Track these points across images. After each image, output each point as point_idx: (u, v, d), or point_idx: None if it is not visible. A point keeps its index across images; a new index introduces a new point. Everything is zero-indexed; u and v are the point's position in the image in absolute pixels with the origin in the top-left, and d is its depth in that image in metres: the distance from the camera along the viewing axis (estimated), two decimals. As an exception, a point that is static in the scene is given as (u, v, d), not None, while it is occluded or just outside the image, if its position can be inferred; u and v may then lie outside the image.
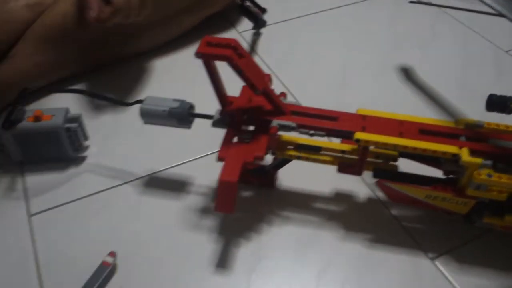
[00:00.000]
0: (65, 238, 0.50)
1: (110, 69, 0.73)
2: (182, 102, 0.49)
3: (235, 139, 0.48)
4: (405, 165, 0.48)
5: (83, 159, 0.59)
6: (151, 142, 0.61)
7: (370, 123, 0.46)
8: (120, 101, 0.53)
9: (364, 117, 0.47)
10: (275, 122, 0.46)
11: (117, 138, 0.62)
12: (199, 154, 0.59)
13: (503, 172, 0.42)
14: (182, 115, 0.49)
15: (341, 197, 0.54)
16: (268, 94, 0.45)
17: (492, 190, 0.43)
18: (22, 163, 0.58)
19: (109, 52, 0.71)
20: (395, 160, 0.48)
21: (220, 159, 0.45)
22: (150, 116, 0.50)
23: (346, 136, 0.46)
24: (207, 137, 0.56)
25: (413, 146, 0.43)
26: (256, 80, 0.43)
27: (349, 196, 0.54)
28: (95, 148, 0.60)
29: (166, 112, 0.49)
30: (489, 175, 0.42)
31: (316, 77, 0.72)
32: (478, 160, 0.42)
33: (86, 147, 0.59)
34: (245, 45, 0.79)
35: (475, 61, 0.76)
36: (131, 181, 0.56)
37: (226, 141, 0.46)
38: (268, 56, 0.76)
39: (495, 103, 0.49)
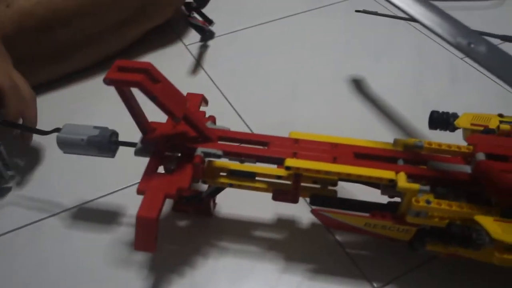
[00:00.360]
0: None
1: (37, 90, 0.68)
2: (103, 129, 0.45)
3: (160, 168, 0.44)
4: (347, 188, 0.45)
5: (7, 190, 0.54)
6: (80, 171, 0.57)
7: (302, 148, 0.43)
8: (37, 130, 0.49)
9: (296, 141, 0.43)
10: (199, 150, 0.42)
11: (44, 167, 0.57)
12: (131, 182, 0.55)
13: (443, 197, 0.40)
14: (102, 144, 0.45)
15: (283, 223, 0.51)
16: (189, 120, 0.42)
17: (433, 217, 0.40)
18: None
19: (38, 71, 0.66)
20: (335, 184, 0.45)
21: (139, 192, 0.41)
22: (69, 146, 0.45)
23: (277, 162, 0.43)
24: (140, 164, 0.52)
25: (346, 172, 0.40)
26: (174, 107, 0.40)
27: (292, 221, 0.51)
28: (20, 178, 0.56)
29: (84, 141, 0.45)
30: (428, 202, 0.39)
31: (263, 91, 0.69)
32: (416, 186, 0.39)
33: (10, 177, 0.55)
34: (191, 58, 0.75)
35: (430, 70, 0.73)
36: (59, 213, 0.52)
37: (148, 171, 0.43)
38: (214, 69, 0.73)
39: (437, 120, 0.46)
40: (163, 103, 0.39)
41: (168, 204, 0.52)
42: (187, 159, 0.43)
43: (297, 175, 0.42)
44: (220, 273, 0.46)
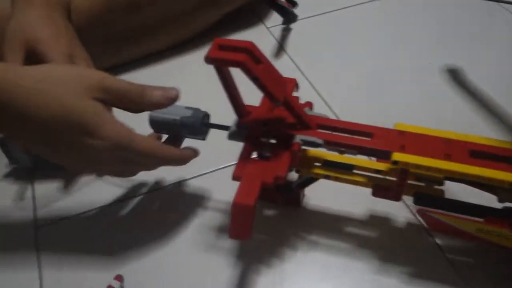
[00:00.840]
0: (71, 256, 0.46)
1: (120, 70, 0.68)
2: (196, 110, 0.44)
3: (254, 154, 0.42)
4: (453, 188, 0.41)
5: None
6: None
7: (410, 141, 0.39)
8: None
9: (403, 134, 0.40)
10: (298, 138, 0.40)
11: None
12: (216, 166, 0.54)
13: None
14: (195, 125, 0.43)
15: (376, 220, 0.48)
16: (290, 105, 0.39)
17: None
18: (32, 170, 0.55)
19: (124, 50, 0.66)
20: (441, 183, 0.41)
21: (235, 178, 0.39)
22: (160, 125, 0.44)
23: (381, 156, 0.39)
24: (228, 146, 0.50)
25: (463, 172, 0.36)
26: (275, 90, 0.37)
27: (386, 219, 0.48)
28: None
29: (177, 121, 0.43)
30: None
31: (349, 79, 0.65)
32: (545, 192, 0.34)
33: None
34: (273, 41, 0.73)
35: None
36: (146, 193, 0.52)
37: (243, 157, 0.41)
38: (297, 55, 0.70)
39: None
40: (265, 85, 0.37)
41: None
42: (284, 146, 0.40)
43: (403, 171, 0.38)
44: (309, 267, 0.44)
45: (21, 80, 0.36)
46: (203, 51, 0.71)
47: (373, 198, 0.42)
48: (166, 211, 0.50)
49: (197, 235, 0.47)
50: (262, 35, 0.74)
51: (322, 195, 0.49)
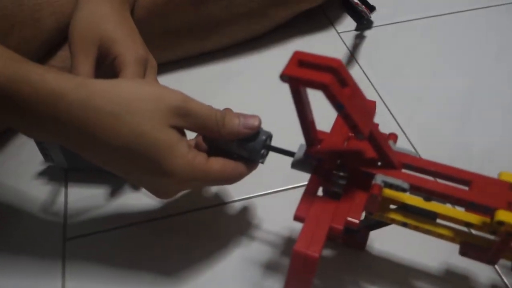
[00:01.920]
0: (97, 271, 0.42)
1: (175, 65, 0.63)
2: (260, 130, 0.38)
3: (320, 190, 0.36)
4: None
5: None
6: None
7: (519, 197, 0.32)
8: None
9: (511, 187, 0.32)
10: (379, 179, 0.33)
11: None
12: (271, 188, 0.47)
13: None
14: (256, 148, 0.37)
15: (452, 277, 0.40)
16: (375, 139, 0.32)
17: None
18: (67, 170, 0.50)
19: (185, 45, 0.61)
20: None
21: (297, 218, 0.33)
22: (212, 142, 0.39)
23: (483, 211, 0.32)
24: (286, 166, 0.44)
25: None
26: (361, 120, 0.31)
27: (465, 277, 0.40)
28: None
29: (234, 142, 0.37)
30: None
31: (433, 102, 0.57)
32: None
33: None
34: (344, 49, 0.65)
35: None
36: (187, 212, 0.46)
37: (308, 193, 0.34)
38: (370, 67, 0.62)
39: None
40: (350, 113, 0.30)
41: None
42: (359, 185, 0.34)
43: (509, 234, 0.31)
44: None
45: (94, 101, 0.33)
46: (266, 54, 0.66)
47: (452, 250, 0.35)
48: (206, 235, 0.44)
49: (240, 269, 0.42)
50: (331, 41, 0.67)
51: (391, 238, 0.42)
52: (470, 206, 0.32)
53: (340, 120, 0.38)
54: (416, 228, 0.35)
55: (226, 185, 0.39)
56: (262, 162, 0.39)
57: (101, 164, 0.36)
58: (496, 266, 0.41)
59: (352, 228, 0.39)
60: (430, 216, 0.35)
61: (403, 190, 0.33)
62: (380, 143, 0.33)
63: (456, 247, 0.35)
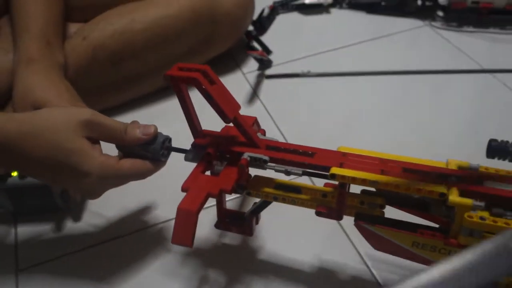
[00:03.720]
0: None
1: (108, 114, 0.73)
2: (158, 134, 0.48)
3: (207, 173, 0.45)
4: (394, 215, 0.43)
5: (79, 210, 0.58)
6: (128, 202, 0.59)
7: (349, 160, 0.42)
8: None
9: (344, 154, 0.43)
10: (246, 154, 0.43)
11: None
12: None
13: (499, 217, 0.37)
14: (156, 149, 0.46)
15: (325, 271, 0.49)
16: (239, 123, 0.43)
17: (487, 238, 0.37)
18: (14, 214, 0.58)
19: (107, 98, 0.72)
20: (382, 207, 0.43)
21: (183, 189, 0.42)
22: (125, 148, 0.48)
23: (323, 171, 0.42)
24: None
25: (395, 183, 0.39)
26: (227, 107, 0.41)
27: (335, 271, 0.49)
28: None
29: (140, 145, 0.47)
30: (482, 218, 0.36)
31: (319, 124, 0.70)
32: (469, 201, 0.37)
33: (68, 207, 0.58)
34: (248, 87, 0.78)
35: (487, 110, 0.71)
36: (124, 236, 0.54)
37: (194, 173, 0.44)
38: (269, 99, 0.75)
39: (495, 148, 0.44)
40: (217, 102, 0.41)
41: (211, 222, 0.51)
42: (234, 163, 0.43)
43: (342, 186, 0.41)
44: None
45: (22, 128, 0.43)
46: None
47: (325, 247, 0.44)
48: (147, 252, 0.52)
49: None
50: (239, 81, 0.80)
51: (274, 236, 0.51)
52: (313, 168, 0.42)
53: (226, 127, 0.49)
54: (284, 200, 0.44)
55: (140, 179, 0.47)
56: (165, 160, 0.48)
57: (34, 176, 0.45)
58: (365, 258, 0.50)
59: (241, 216, 0.47)
60: (296, 190, 0.45)
61: (265, 161, 0.43)
62: (245, 128, 0.43)
63: (328, 246, 0.44)
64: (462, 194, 0.38)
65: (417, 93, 0.75)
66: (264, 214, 0.48)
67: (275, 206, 0.46)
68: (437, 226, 0.41)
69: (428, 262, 0.40)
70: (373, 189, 0.42)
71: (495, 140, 0.43)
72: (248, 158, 0.43)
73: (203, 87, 0.40)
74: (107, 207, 0.57)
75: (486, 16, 0.88)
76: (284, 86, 0.79)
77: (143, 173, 0.46)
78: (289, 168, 0.43)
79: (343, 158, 0.42)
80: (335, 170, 0.40)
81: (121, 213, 0.57)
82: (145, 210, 0.58)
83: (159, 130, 0.46)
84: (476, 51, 0.82)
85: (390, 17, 0.93)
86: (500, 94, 0.74)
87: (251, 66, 0.84)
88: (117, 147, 0.48)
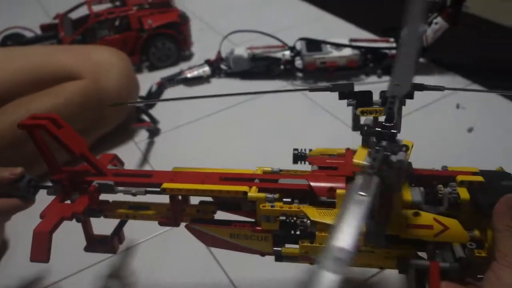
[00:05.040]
0: None
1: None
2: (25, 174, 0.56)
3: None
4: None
5: None
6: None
7: (179, 177, 0.52)
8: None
9: (175, 173, 0.53)
10: (95, 182, 0.52)
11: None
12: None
13: (289, 204, 0.47)
14: (22, 186, 0.54)
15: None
16: (87, 158, 0.52)
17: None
18: None
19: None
20: (214, 212, 0.53)
21: (41, 216, 0.50)
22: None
23: (158, 187, 0.51)
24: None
25: (210, 189, 0.49)
26: (74, 146, 0.51)
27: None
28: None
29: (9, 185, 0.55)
30: (272, 206, 0.46)
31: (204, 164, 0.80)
32: (262, 195, 0.47)
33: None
34: (139, 154, 0.88)
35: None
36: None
37: (52, 203, 0.52)
38: (158, 163, 0.85)
39: (296, 156, 0.55)
40: (64, 142, 0.50)
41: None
42: (86, 192, 0.52)
43: (172, 197, 0.50)
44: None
45: None
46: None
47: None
48: None
49: None
50: (131, 150, 0.90)
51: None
52: (150, 186, 0.51)
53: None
54: (134, 217, 0.53)
55: (13, 212, 0.55)
56: (33, 198, 0.56)
57: None
58: (222, 265, 0.59)
59: (106, 238, 0.55)
60: (145, 208, 0.54)
61: (110, 186, 0.52)
62: (92, 161, 0.52)
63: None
64: (261, 190, 0.48)
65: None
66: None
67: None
68: (253, 220, 0.52)
69: (247, 250, 0.50)
70: (210, 199, 0.52)
71: (296, 149, 0.55)
72: (97, 185, 0.52)
73: (50, 131, 0.49)
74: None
75: (333, 73, 1.06)
76: (172, 149, 0.91)
77: (11, 209, 0.54)
78: (135, 190, 0.52)
79: (174, 176, 0.52)
80: (165, 185, 0.50)
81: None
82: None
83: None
84: (327, 102, 0.98)
85: (260, 80, 1.09)
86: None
87: (143, 135, 0.95)
88: None
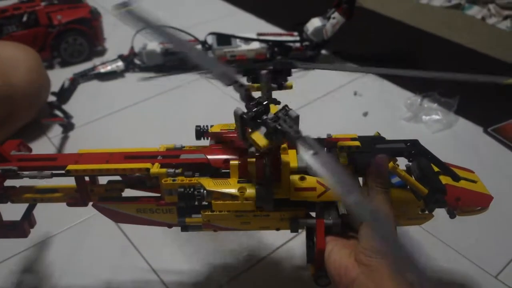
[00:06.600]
0: None
1: None
2: None
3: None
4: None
5: None
6: None
7: (84, 158, 0.54)
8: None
9: (80, 155, 0.55)
10: (-1, 168, 0.53)
11: None
12: None
13: (190, 177, 0.51)
14: None
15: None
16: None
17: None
18: None
19: None
20: (122, 190, 0.56)
21: None
22: None
23: (63, 169, 0.53)
24: None
25: (114, 167, 0.51)
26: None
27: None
28: None
29: None
30: (174, 180, 0.50)
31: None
32: (163, 170, 0.51)
33: None
34: (53, 149, 0.87)
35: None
36: None
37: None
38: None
39: (198, 132, 0.59)
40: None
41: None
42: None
43: (78, 178, 0.53)
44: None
45: None
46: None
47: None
48: None
49: None
50: (45, 146, 0.90)
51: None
52: (55, 169, 0.53)
53: None
54: (42, 200, 0.55)
55: None
56: None
57: None
58: (139, 249, 0.62)
59: (12, 225, 0.56)
60: (53, 191, 0.55)
61: (14, 171, 0.53)
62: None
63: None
64: (163, 166, 0.52)
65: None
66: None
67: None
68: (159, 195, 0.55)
69: (154, 223, 0.53)
70: (119, 178, 0.55)
71: (198, 126, 0.58)
72: (0, 171, 0.53)
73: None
74: None
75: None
76: (87, 143, 0.88)
77: None
78: (41, 173, 0.54)
79: (79, 158, 0.54)
80: (69, 167, 0.52)
81: None
82: None
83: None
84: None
85: (174, 74, 1.12)
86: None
87: (57, 130, 0.94)
88: None
